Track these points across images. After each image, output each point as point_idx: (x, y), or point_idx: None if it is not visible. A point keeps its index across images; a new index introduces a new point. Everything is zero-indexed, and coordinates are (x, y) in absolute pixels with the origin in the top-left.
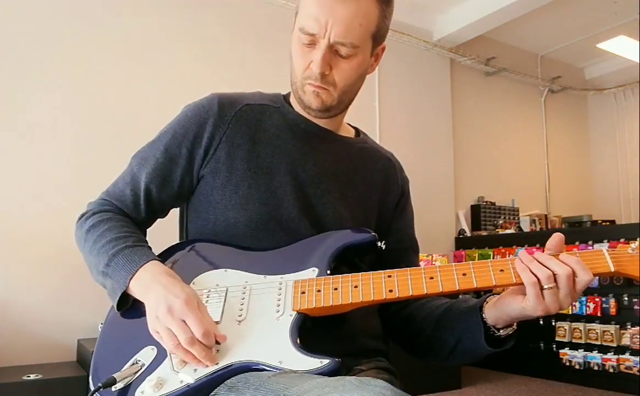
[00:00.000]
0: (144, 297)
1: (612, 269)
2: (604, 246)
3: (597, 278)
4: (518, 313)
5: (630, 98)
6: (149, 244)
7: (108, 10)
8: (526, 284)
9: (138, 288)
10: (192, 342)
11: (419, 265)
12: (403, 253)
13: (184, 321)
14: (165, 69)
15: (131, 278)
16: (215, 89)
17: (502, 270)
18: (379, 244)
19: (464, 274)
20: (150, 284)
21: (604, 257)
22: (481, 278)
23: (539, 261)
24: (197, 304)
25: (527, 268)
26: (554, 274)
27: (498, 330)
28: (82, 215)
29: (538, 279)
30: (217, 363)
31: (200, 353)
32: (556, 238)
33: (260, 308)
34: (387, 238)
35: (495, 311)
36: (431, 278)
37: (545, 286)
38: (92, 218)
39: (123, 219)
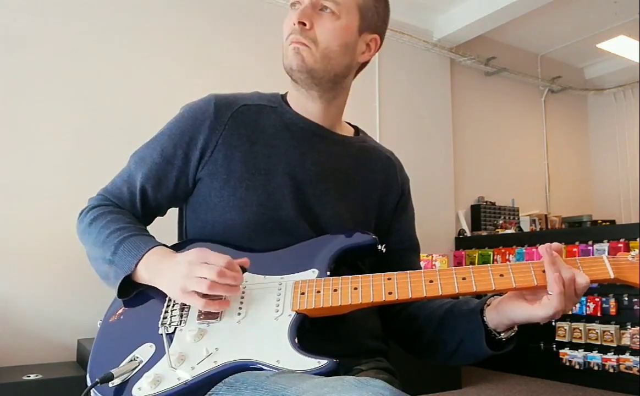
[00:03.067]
0: (155, 277)
1: (612, 276)
2: (604, 246)
3: None
4: (524, 318)
5: (630, 98)
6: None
7: (108, 10)
8: (556, 294)
9: (146, 271)
10: (222, 273)
11: (420, 265)
12: (403, 253)
13: (206, 263)
14: (165, 68)
15: (138, 262)
16: (214, 89)
17: (502, 275)
18: (379, 247)
19: (464, 278)
20: (159, 264)
21: (604, 264)
22: (481, 283)
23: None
24: (209, 250)
25: (559, 275)
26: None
27: (499, 333)
28: (83, 210)
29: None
30: (215, 362)
31: (233, 279)
32: (555, 248)
33: (259, 307)
34: (388, 238)
35: (497, 316)
36: (431, 281)
37: None
38: (94, 211)
39: (124, 212)
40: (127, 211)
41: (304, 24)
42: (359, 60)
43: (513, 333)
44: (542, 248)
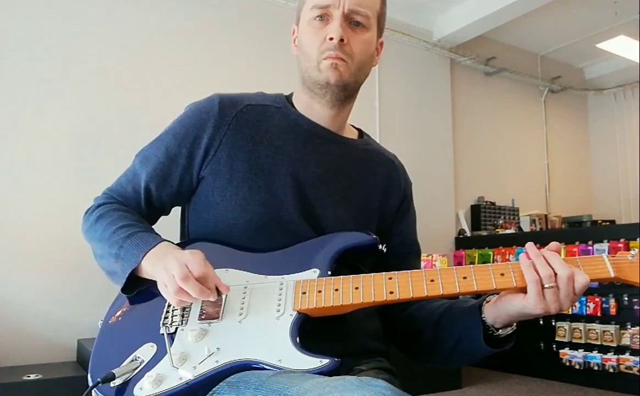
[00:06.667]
0: (155, 269)
1: (612, 275)
2: (604, 246)
3: None
4: (517, 312)
5: (630, 98)
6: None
7: (110, 8)
8: (528, 282)
9: (149, 264)
10: (186, 278)
11: (420, 269)
12: (404, 257)
13: (186, 265)
14: (168, 68)
15: (144, 256)
16: (217, 89)
17: (502, 274)
18: (380, 247)
19: (465, 278)
20: (162, 256)
21: (604, 263)
22: (482, 282)
23: (544, 258)
24: (203, 256)
25: (532, 265)
26: (555, 274)
27: (497, 329)
28: (89, 209)
29: (540, 277)
30: (216, 361)
31: (194, 290)
32: (553, 247)
33: (260, 307)
34: (389, 241)
35: (495, 311)
36: (432, 280)
37: (546, 285)
38: (100, 209)
39: (130, 210)
40: (132, 209)
41: (342, 40)
42: (373, 65)
43: (511, 331)
44: (528, 246)
